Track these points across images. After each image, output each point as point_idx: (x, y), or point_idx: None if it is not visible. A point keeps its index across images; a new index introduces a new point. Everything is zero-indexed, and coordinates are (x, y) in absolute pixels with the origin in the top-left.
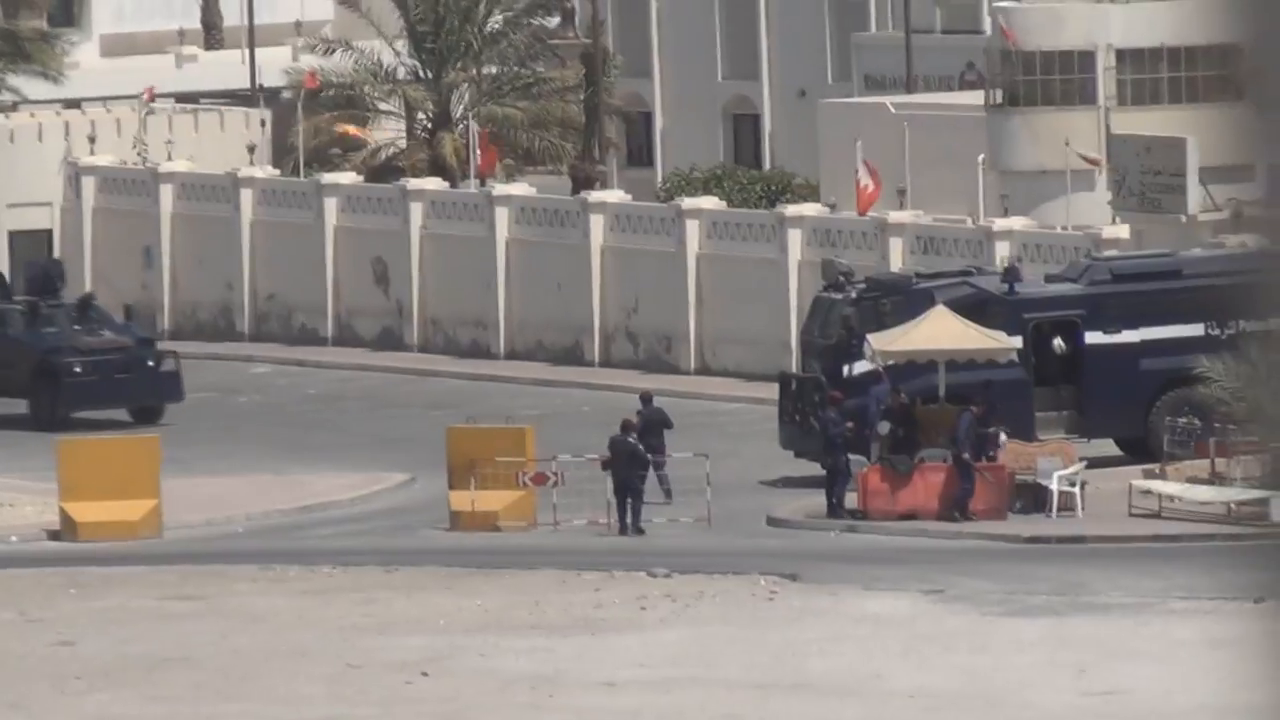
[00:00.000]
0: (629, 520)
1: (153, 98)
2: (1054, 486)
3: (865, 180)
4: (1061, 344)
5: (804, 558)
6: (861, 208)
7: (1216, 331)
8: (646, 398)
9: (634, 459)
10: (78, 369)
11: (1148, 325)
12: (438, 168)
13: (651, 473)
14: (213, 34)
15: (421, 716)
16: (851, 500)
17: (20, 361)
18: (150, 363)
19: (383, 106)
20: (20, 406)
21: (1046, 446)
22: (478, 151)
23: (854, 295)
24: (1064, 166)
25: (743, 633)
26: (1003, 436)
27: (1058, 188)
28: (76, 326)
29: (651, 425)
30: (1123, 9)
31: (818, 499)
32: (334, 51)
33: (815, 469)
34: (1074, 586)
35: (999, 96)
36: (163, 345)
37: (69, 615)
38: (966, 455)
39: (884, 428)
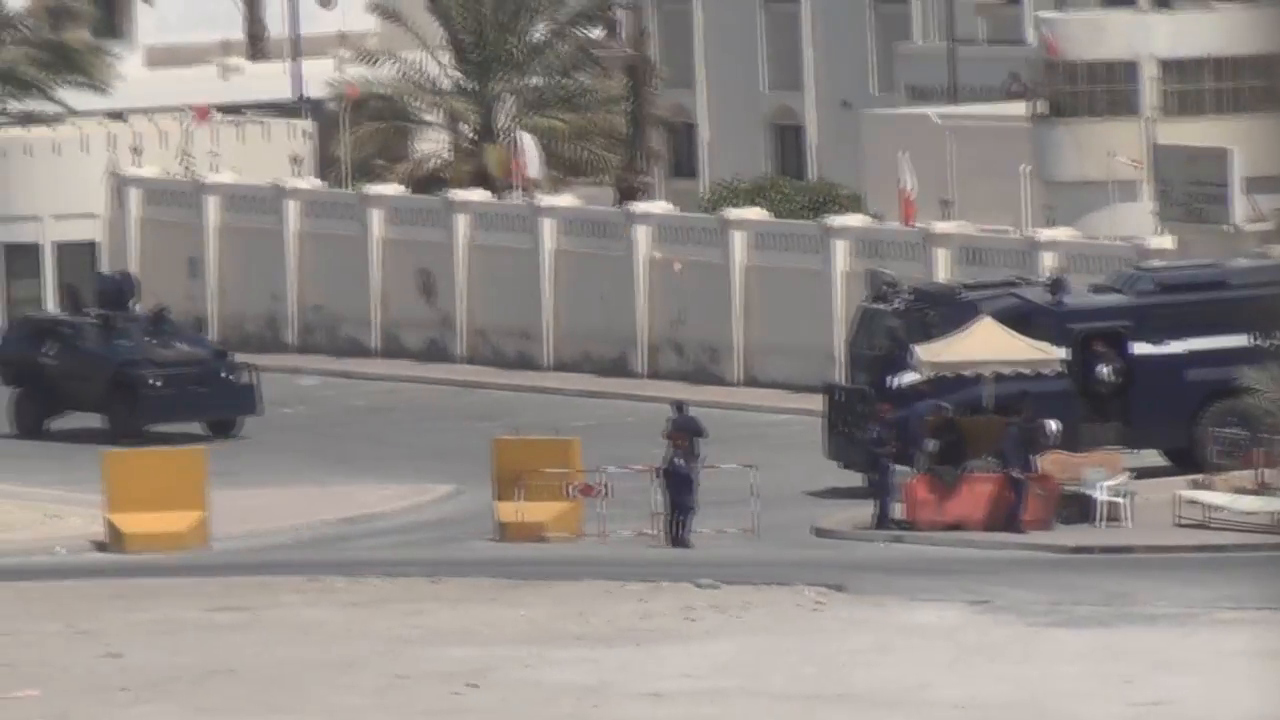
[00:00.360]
0: (677, 533)
1: (208, 116)
2: (1100, 497)
3: (909, 183)
4: (1107, 371)
5: (850, 568)
6: (906, 217)
7: (1262, 342)
8: (680, 406)
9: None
10: (155, 381)
11: (1193, 336)
12: (482, 179)
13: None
14: (257, 45)
15: None
16: (898, 511)
17: (95, 374)
18: (226, 375)
19: (427, 118)
20: (92, 420)
21: (1092, 457)
22: (537, 156)
23: (900, 306)
24: (1108, 177)
25: (789, 643)
26: (1052, 425)
27: (1102, 198)
28: (150, 339)
29: (683, 433)
30: (1167, 19)
31: (863, 510)
32: (377, 63)
33: (861, 480)
34: (1120, 597)
35: (1043, 107)
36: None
37: (116, 627)
38: (1015, 472)
39: (930, 445)
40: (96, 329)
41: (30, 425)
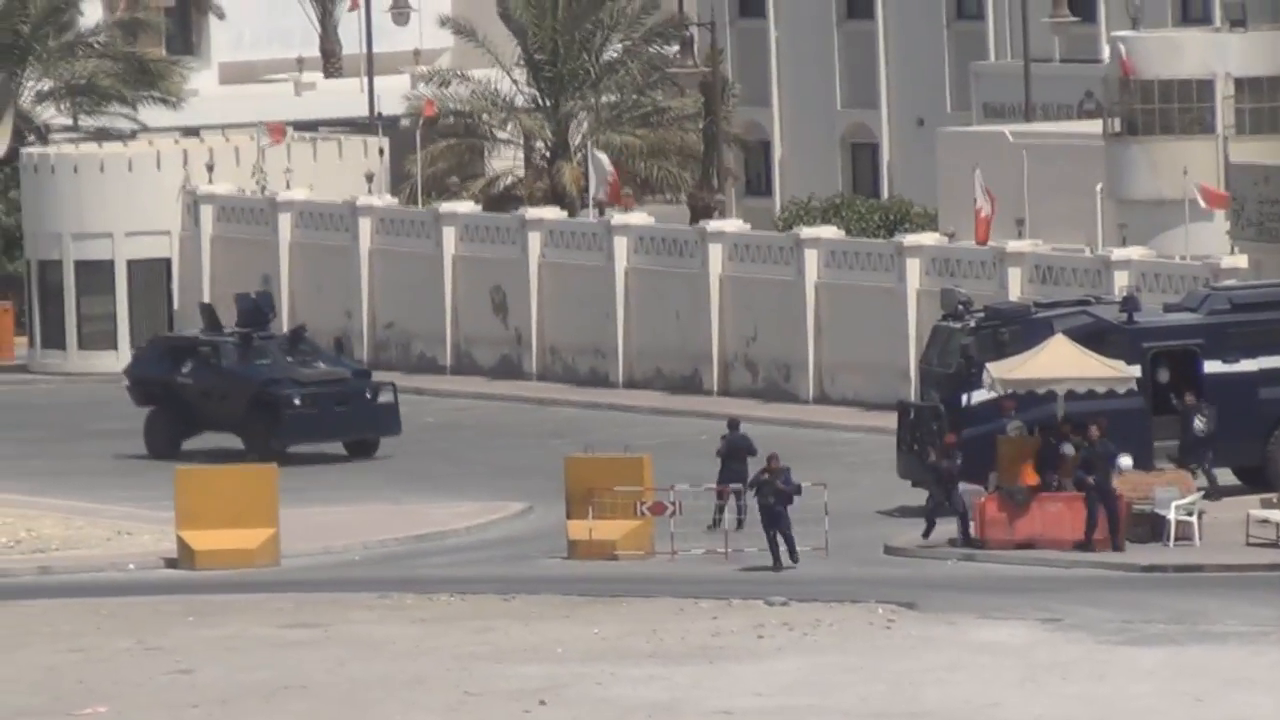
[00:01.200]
0: (780, 552)
1: (280, 138)
2: (1171, 516)
3: (982, 202)
4: (1200, 424)
5: (921, 586)
6: (980, 235)
7: None
8: (734, 424)
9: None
10: (297, 401)
11: (1266, 355)
12: (556, 197)
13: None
14: (331, 62)
15: None
16: (958, 528)
17: (235, 394)
18: (369, 395)
19: (500, 135)
20: (228, 441)
21: (1164, 476)
22: (610, 173)
23: (973, 324)
24: (1182, 196)
25: (860, 661)
26: (1124, 460)
27: (1176, 217)
28: (289, 359)
29: (735, 451)
30: (1241, 37)
31: (937, 529)
32: (450, 82)
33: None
34: (1191, 615)
35: (1117, 125)
36: (380, 377)
37: (186, 643)
38: (1091, 479)
39: (1068, 449)
40: (235, 348)
41: (164, 446)
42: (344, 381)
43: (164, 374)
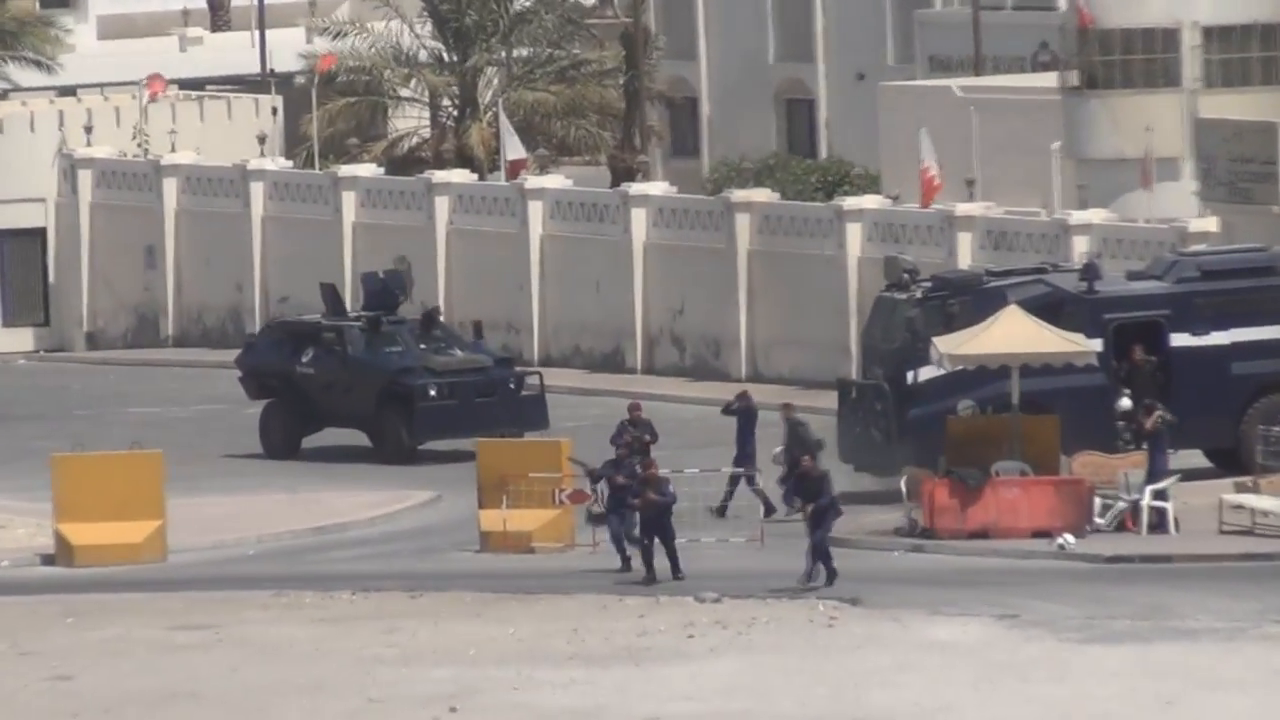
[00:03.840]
0: (654, 564)
1: (158, 91)
2: (1145, 502)
3: (929, 162)
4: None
5: (866, 580)
6: (926, 198)
7: None
8: (634, 407)
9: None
10: (432, 392)
11: (1239, 326)
12: (464, 159)
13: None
14: (219, 15)
15: None
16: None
17: (362, 386)
18: (513, 385)
19: (403, 93)
20: (354, 438)
21: (1128, 459)
22: (521, 159)
23: (919, 295)
24: (1145, 154)
25: (799, 662)
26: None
27: (1139, 177)
28: (422, 345)
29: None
30: None
31: (879, 516)
32: (347, 34)
33: (876, 484)
34: (1160, 610)
35: (1075, 79)
36: (524, 366)
37: (65, 647)
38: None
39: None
40: (362, 334)
41: (281, 444)
42: (485, 370)
43: (281, 364)
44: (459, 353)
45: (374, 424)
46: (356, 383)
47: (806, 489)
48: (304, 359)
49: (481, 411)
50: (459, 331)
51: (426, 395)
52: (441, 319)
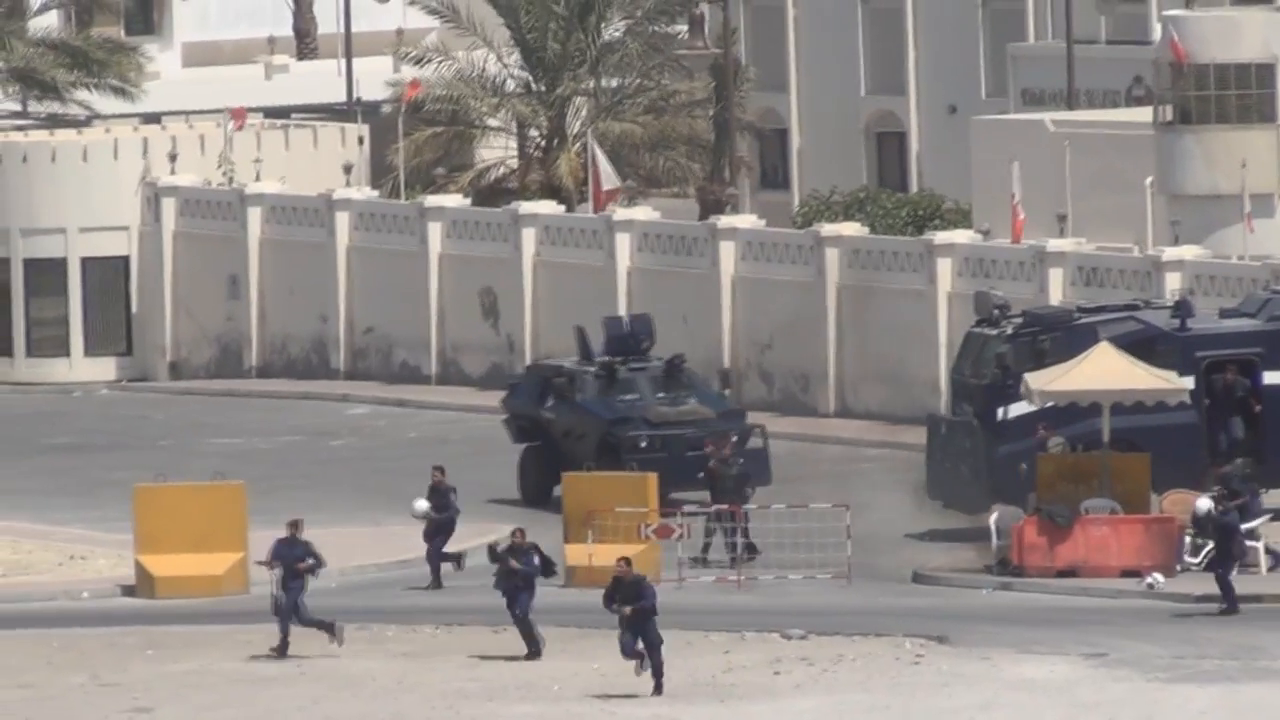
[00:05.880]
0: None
1: (243, 120)
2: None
3: (1020, 196)
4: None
5: (953, 618)
6: (1017, 232)
7: None
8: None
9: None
10: (643, 444)
11: None
12: (551, 190)
13: None
14: (306, 42)
15: None
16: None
17: (589, 434)
18: (735, 439)
19: (491, 122)
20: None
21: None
22: (614, 184)
23: (1009, 331)
24: (1240, 190)
25: (885, 700)
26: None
27: (1234, 213)
28: (660, 394)
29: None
30: None
31: (968, 553)
32: (434, 62)
33: (965, 521)
34: (1249, 650)
35: (1169, 113)
36: (754, 418)
37: (145, 679)
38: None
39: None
40: (595, 380)
41: (533, 490)
42: (704, 423)
43: (532, 408)
44: (691, 403)
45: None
46: (585, 431)
47: (623, 592)
48: (547, 404)
49: (691, 465)
50: (700, 380)
51: (636, 447)
52: (685, 366)
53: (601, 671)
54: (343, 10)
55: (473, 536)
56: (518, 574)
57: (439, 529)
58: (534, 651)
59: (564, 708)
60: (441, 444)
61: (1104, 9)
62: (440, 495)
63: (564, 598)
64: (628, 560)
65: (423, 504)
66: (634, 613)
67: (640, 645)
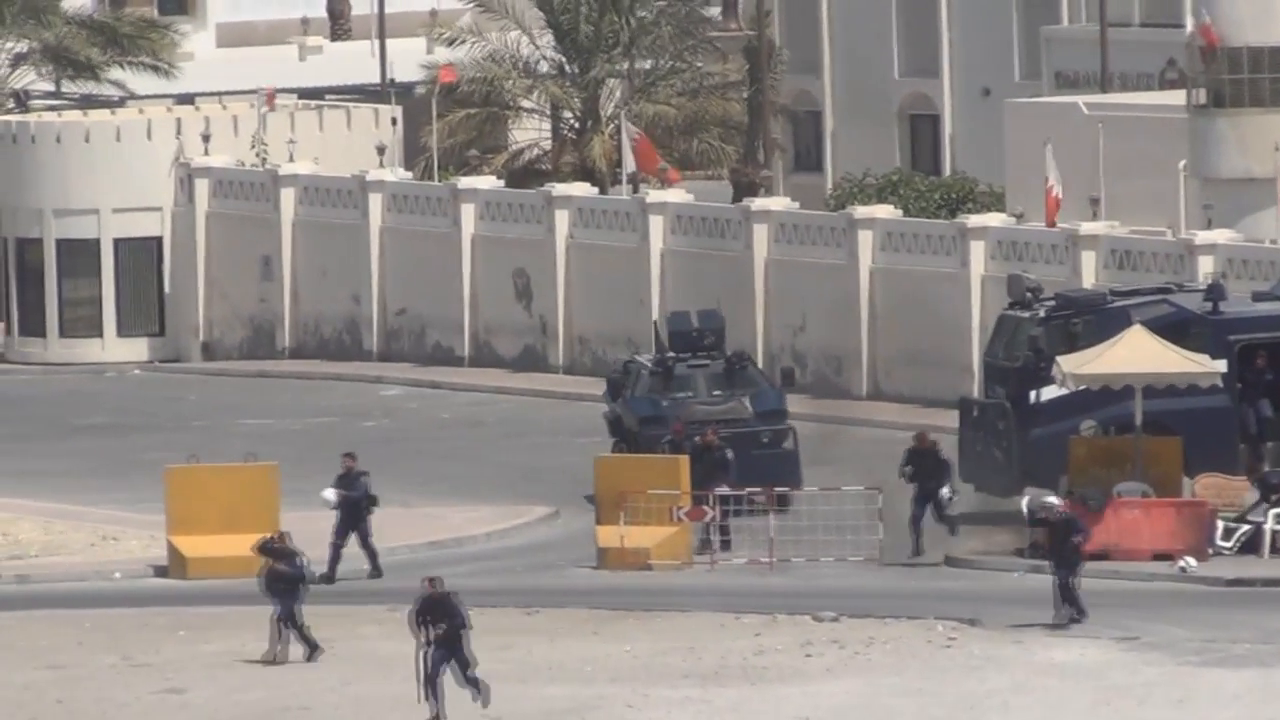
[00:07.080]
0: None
1: (274, 102)
2: (1268, 525)
3: (1054, 179)
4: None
5: (985, 601)
6: (1050, 216)
7: None
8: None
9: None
10: (665, 445)
11: None
12: (585, 172)
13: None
14: (339, 23)
15: None
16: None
17: (630, 430)
18: (764, 439)
19: (525, 104)
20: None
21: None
22: (635, 137)
23: (1042, 314)
24: (1274, 174)
25: (917, 683)
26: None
27: (1267, 197)
28: (717, 391)
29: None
30: None
31: (999, 537)
32: (468, 43)
33: (998, 504)
34: None
35: (1202, 96)
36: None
37: (177, 660)
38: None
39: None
40: (651, 376)
41: None
42: (737, 422)
43: (609, 404)
44: (740, 403)
45: None
46: (628, 426)
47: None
48: (616, 400)
49: (718, 466)
50: (763, 378)
51: (659, 446)
52: (749, 363)
53: (634, 653)
54: None
55: (505, 519)
56: (283, 577)
57: (349, 513)
58: (313, 650)
59: (596, 689)
60: (474, 426)
61: None
62: (350, 481)
63: (596, 579)
64: (432, 579)
65: (331, 493)
66: (445, 632)
67: (448, 671)
